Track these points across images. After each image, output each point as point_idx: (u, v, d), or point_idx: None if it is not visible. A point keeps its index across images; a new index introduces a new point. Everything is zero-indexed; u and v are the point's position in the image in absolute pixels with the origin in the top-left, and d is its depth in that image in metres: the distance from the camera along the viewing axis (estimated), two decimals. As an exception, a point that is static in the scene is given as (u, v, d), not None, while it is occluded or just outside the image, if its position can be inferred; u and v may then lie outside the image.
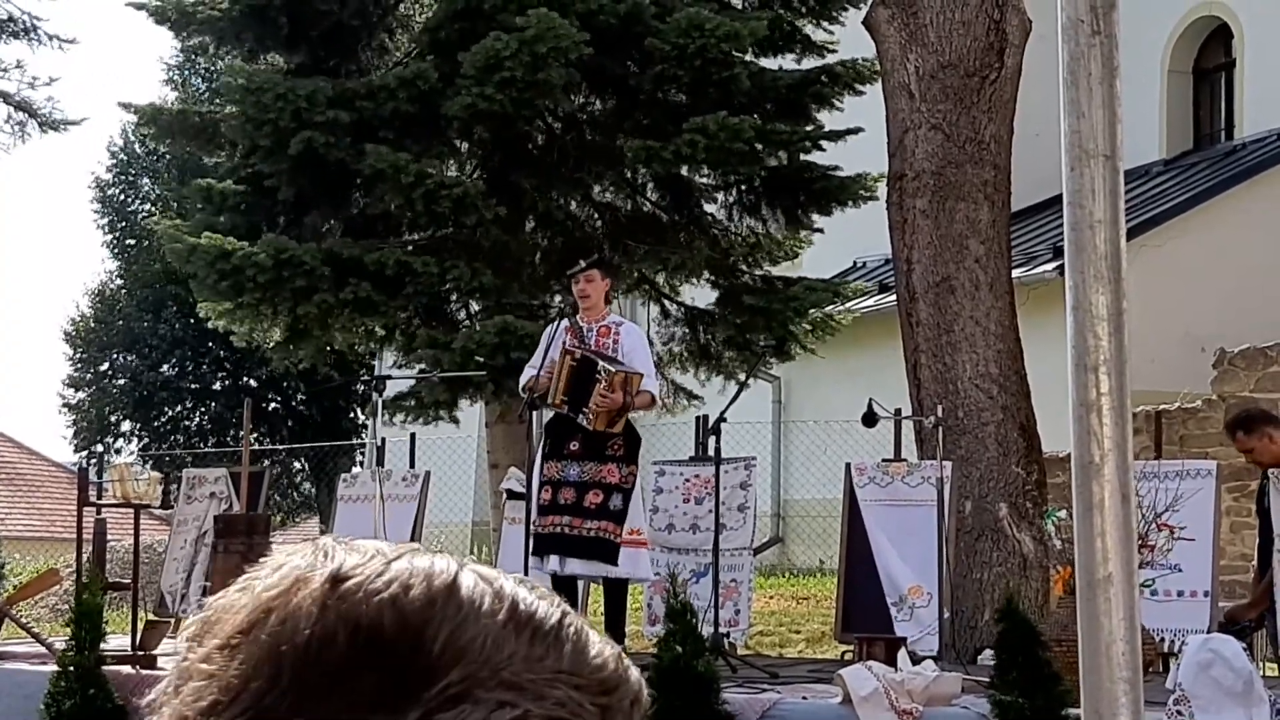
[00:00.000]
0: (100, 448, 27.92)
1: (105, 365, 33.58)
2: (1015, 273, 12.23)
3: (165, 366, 33.01)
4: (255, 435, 25.56)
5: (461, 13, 14.53)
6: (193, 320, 25.93)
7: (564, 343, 9.61)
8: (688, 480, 11.15)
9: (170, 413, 33.46)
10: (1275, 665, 9.74)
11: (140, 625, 10.45)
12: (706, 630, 8.91)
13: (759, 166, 14.78)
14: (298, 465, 32.45)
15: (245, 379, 32.73)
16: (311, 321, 14.77)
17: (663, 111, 14.89)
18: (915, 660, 8.33)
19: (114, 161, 35.19)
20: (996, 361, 10.96)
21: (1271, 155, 19.94)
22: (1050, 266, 17.42)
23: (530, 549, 9.45)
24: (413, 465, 12.80)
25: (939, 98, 11.22)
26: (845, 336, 16.12)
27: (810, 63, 15.65)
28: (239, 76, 14.81)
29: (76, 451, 32.48)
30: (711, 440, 10.03)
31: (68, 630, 9.78)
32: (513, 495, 11.09)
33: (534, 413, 10.26)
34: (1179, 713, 7.10)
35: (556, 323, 10.02)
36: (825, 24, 15.77)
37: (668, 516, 11.12)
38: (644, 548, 9.80)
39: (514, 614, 0.96)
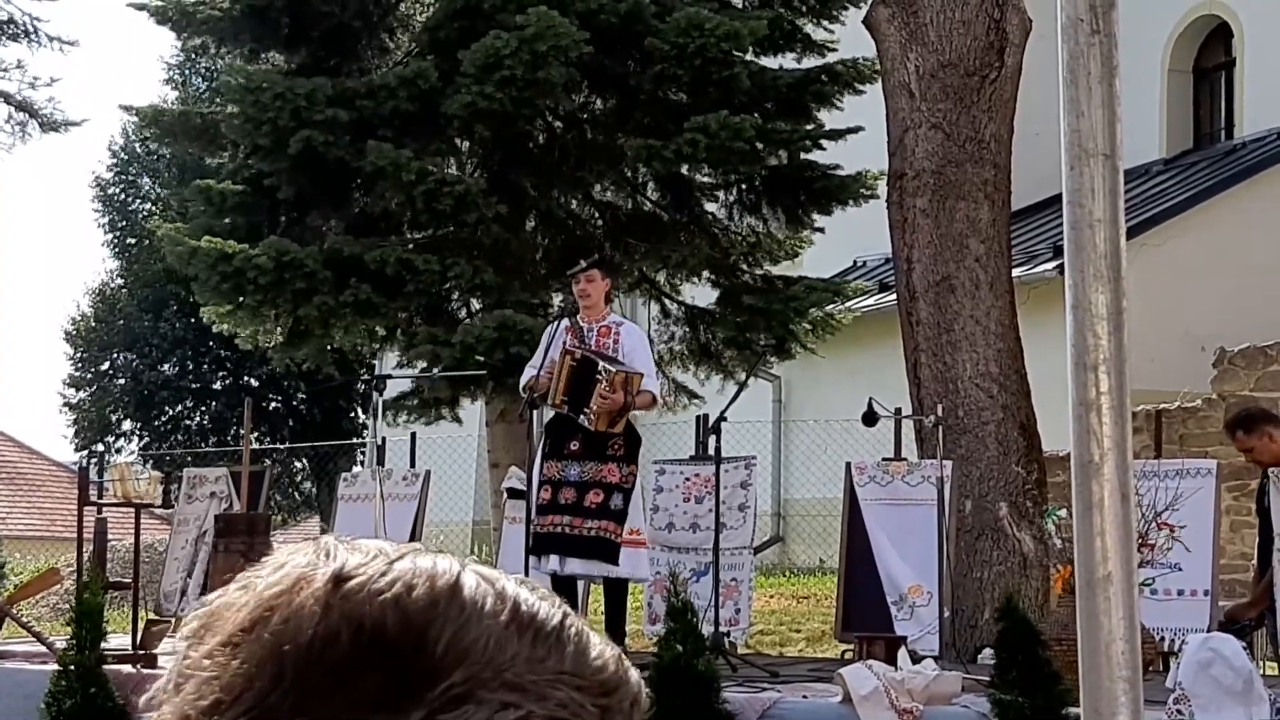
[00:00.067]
0: (101, 447, 27.93)
1: (106, 365, 33.60)
2: (1015, 272, 12.23)
3: (166, 366, 33.02)
4: (256, 435, 25.55)
5: (461, 11, 14.54)
6: (193, 320, 25.95)
7: (564, 343, 9.60)
8: (688, 479, 11.15)
9: (171, 412, 33.48)
10: (1275, 664, 9.74)
11: (141, 624, 10.45)
12: (707, 629, 8.91)
13: (759, 165, 14.79)
14: (298, 465, 32.46)
15: (246, 378, 32.75)
16: (312, 322, 14.78)
17: (663, 110, 14.89)
18: (915, 659, 8.33)
19: (114, 161, 35.20)
20: (997, 361, 10.96)
21: (1271, 155, 19.93)
22: (1050, 266, 17.42)
23: (528, 548, 9.45)
24: (413, 464, 12.80)
25: (939, 97, 11.22)
26: (845, 336, 16.12)
27: (810, 62, 15.65)
28: (238, 76, 14.82)
29: (77, 451, 32.51)
30: (712, 439, 10.03)
31: (68, 629, 9.78)
32: (514, 494, 11.09)
33: (534, 412, 10.26)
34: (1179, 712, 7.11)
35: (557, 322, 10.00)
36: (825, 23, 15.78)
37: (668, 516, 11.12)
38: (643, 548, 9.80)
39: (516, 615, 0.96)
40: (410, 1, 16.61)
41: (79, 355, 33.70)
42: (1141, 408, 13.21)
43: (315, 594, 0.95)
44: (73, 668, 9.20)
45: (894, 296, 12.02)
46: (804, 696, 8.17)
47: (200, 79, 33.65)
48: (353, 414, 33.62)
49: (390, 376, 13.67)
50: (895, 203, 11.40)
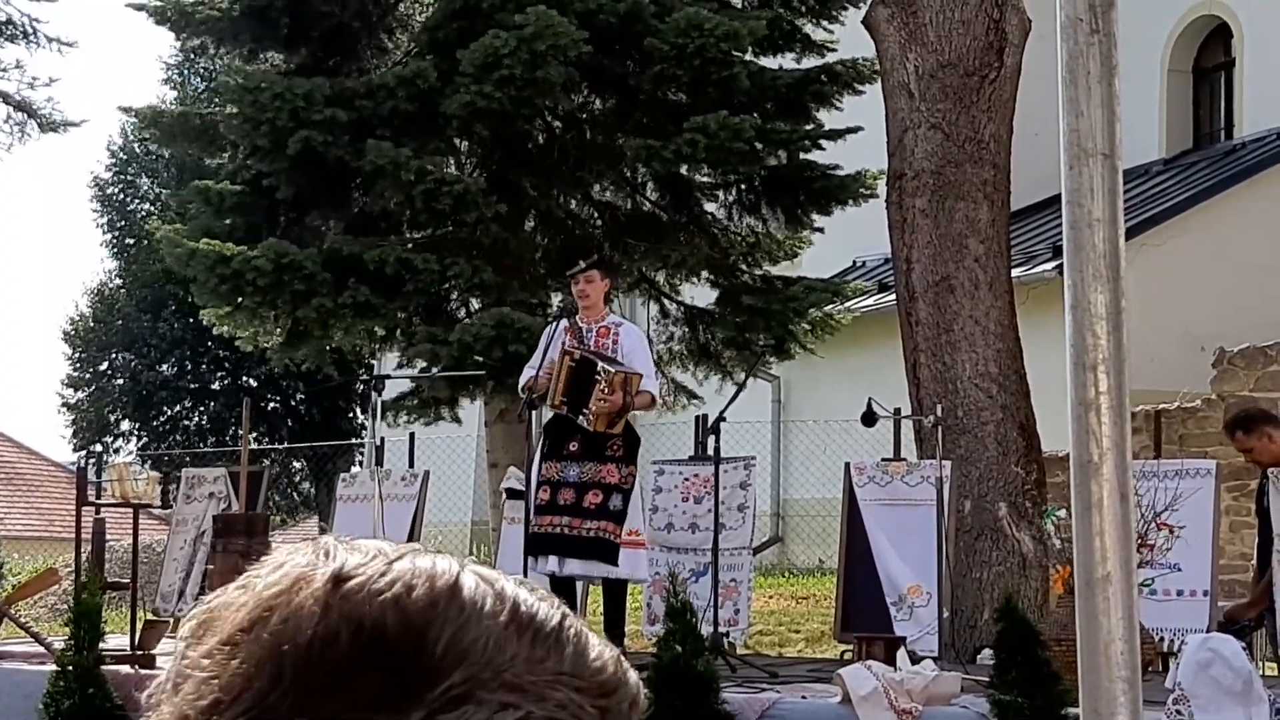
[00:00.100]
0: (99, 447, 27.91)
1: (104, 365, 33.60)
2: (1015, 272, 12.23)
3: (164, 366, 33.03)
4: (254, 435, 25.55)
5: (460, 11, 14.54)
6: (192, 320, 25.96)
7: (563, 343, 9.59)
8: (687, 479, 11.15)
9: (169, 412, 33.49)
10: (1275, 664, 9.74)
11: (139, 625, 10.45)
12: (706, 630, 8.91)
13: (759, 166, 14.79)
14: (297, 465, 32.46)
15: (245, 378, 32.75)
16: (311, 324, 14.80)
17: (663, 110, 14.89)
18: (915, 660, 8.33)
19: (113, 161, 35.21)
20: (996, 361, 10.96)
21: (1271, 155, 19.94)
22: (1050, 266, 17.43)
23: (525, 548, 9.44)
24: (412, 465, 12.80)
25: (938, 97, 11.22)
26: (845, 336, 16.12)
27: (810, 62, 15.65)
28: (236, 76, 14.82)
29: (75, 451, 32.50)
30: (711, 440, 10.03)
31: (67, 630, 9.78)
32: (512, 494, 11.09)
33: (533, 412, 10.26)
34: (1178, 712, 7.10)
35: (556, 323, 9.98)
36: (825, 23, 15.78)
37: (667, 516, 11.11)
38: (642, 548, 9.80)
39: (515, 615, 0.96)
40: (409, 1, 16.62)
41: (77, 355, 33.70)
42: (1141, 408, 13.21)
43: (315, 594, 0.95)
44: (71, 668, 9.20)
45: (893, 297, 12.03)
46: (803, 697, 8.17)
47: (199, 79, 33.66)
48: (351, 414, 33.63)
49: (390, 376, 13.68)
50: (894, 203, 11.40)
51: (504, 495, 11.56)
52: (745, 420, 14.83)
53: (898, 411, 10.87)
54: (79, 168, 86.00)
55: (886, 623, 10.04)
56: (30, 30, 23.26)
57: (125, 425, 33.83)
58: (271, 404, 33.14)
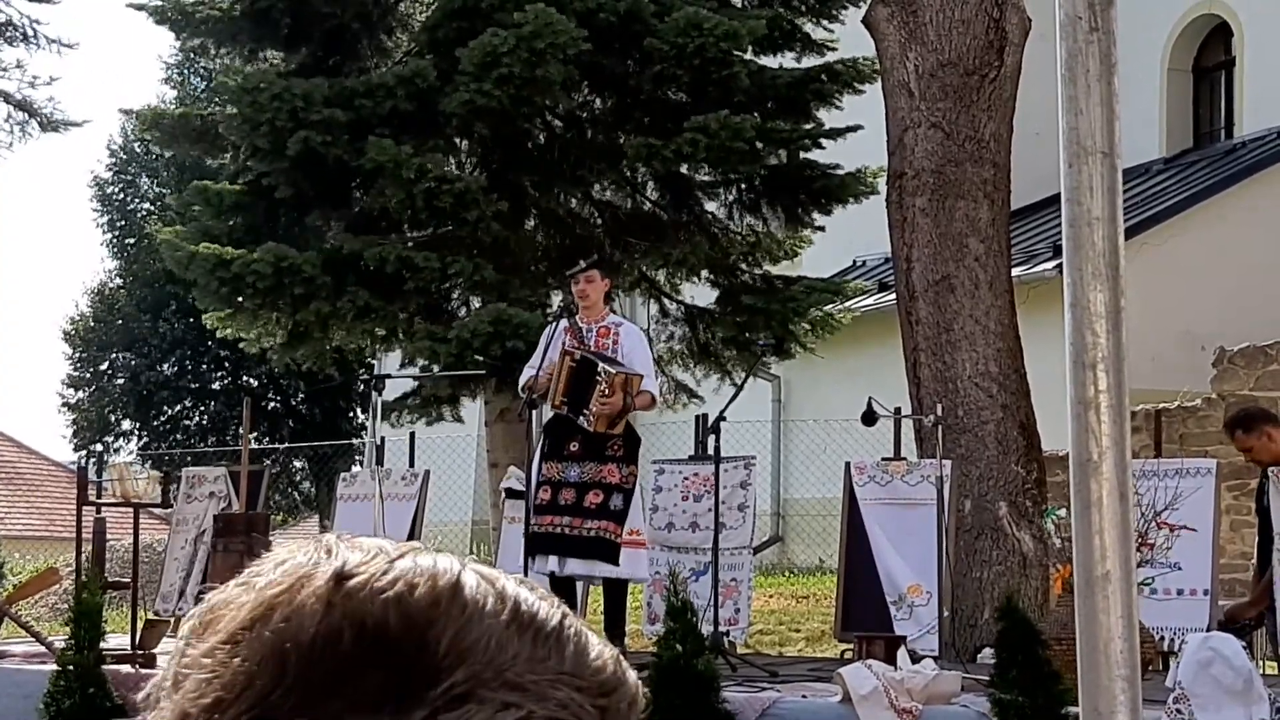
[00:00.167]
0: (100, 447, 27.92)
1: (105, 364, 33.59)
2: (1015, 271, 12.23)
3: (165, 366, 33.01)
4: (255, 435, 25.56)
5: (459, 11, 14.54)
6: (192, 319, 25.95)
7: (563, 343, 9.59)
8: (687, 479, 11.15)
9: (170, 412, 33.48)
10: (1275, 664, 9.74)
11: (140, 624, 10.45)
12: (706, 629, 8.91)
13: (759, 165, 14.79)
14: (297, 464, 32.46)
15: (245, 378, 32.75)
16: (311, 326, 14.82)
17: (663, 110, 14.89)
18: (915, 659, 8.33)
19: (113, 161, 35.20)
20: (996, 360, 10.96)
21: (1271, 154, 19.94)
22: (1050, 265, 17.43)
23: (525, 548, 9.43)
24: (412, 464, 12.80)
25: (938, 96, 11.22)
26: (845, 335, 16.12)
27: (810, 61, 15.66)
28: (234, 77, 14.82)
29: (76, 451, 32.50)
30: (711, 439, 10.02)
31: (67, 629, 9.78)
32: (512, 494, 11.09)
33: (533, 412, 10.26)
34: (1179, 711, 7.11)
35: (556, 323, 9.98)
36: (825, 22, 15.78)
37: (667, 515, 11.11)
38: (643, 548, 9.80)
39: (517, 615, 0.96)
40: (409, 1, 16.62)
41: (78, 355, 33.70)
42: (1141, 407, 13.22)
43: (317, 592, 0.95)
44: (71, 667, 9.20)
45: (893, 296, 12.02)
46: (803, 696, 8.17)
47: (199, 79, 33.65)
48: (352, 414, 33.62)
49: (390, 376, 13.68)
50: (895, 202, 11.40)
51: (504, 495, 11.56)
52: (745, 420, 14.83)
53: (898, 411, 10.87)
54: (79, 168, 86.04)
55: (887, 622, 10.04)
56: (31, 32, 23.25)
57: (126, 425, 33.84)
58: (272, 404, 33.14)
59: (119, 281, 34.01)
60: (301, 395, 33.23)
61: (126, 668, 9.58)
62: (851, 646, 9.58)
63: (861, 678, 7.68)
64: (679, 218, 15.62)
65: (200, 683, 0.95)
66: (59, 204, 78.75)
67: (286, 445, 29.93)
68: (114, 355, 33.34)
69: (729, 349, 15.55)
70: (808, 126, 15.07)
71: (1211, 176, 20.14)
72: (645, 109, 15.04)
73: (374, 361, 21.32)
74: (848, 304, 16.65)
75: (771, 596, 16.02)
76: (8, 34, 23.10)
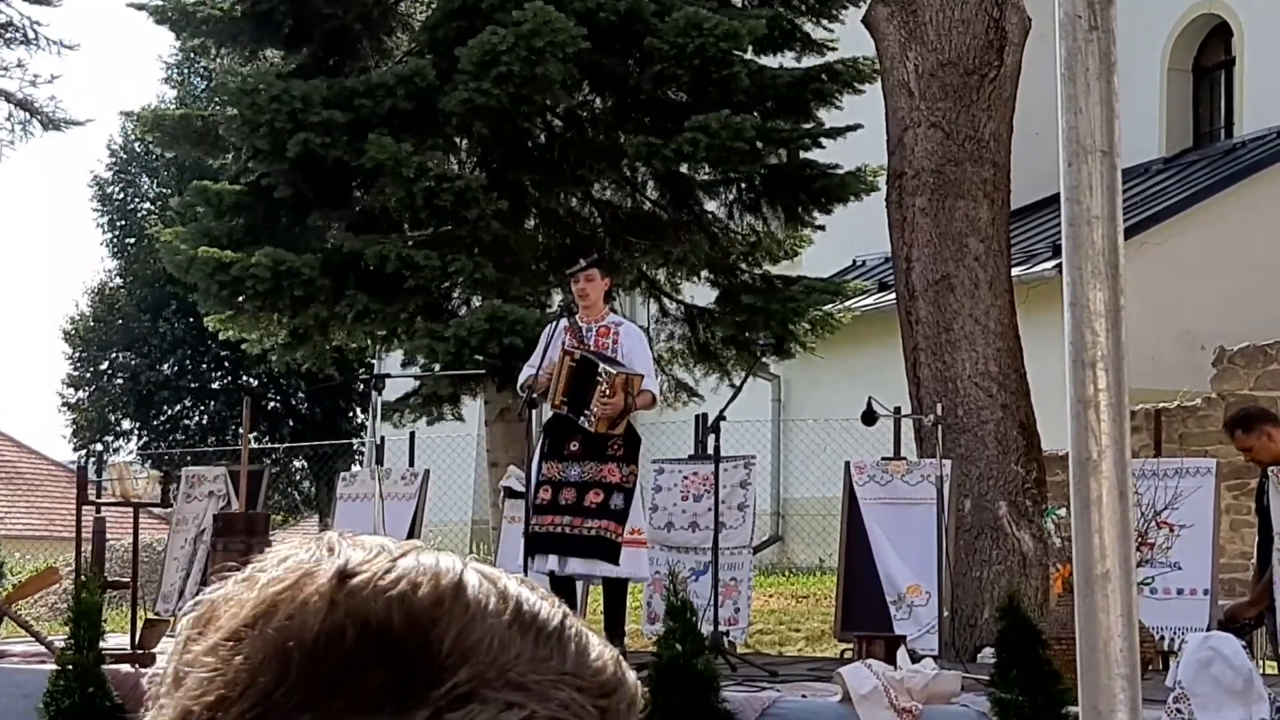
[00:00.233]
0: (100, 446, 27.91)
1: (105, 364, 33.59)
2: (1015, 271, 12.23)
3: (165, 365, 33.01)
4: (255, 434, 25.56)
5: (459, 10, 14.54)
6: (192, 319, 25.96)
7: (563, 343, 9.58)
8: (687, 478, 11.15)
9: (170, 411, 33.48)
10: (1275, 663, 9.74)
11: (140, 624, 10.45)
12: (706, 629, 8.91)
13: (759, 164, 14.80)
14: (297, 464, 32.46)
15: (245, 378, 32.75)
16: (311, 329, 14.84)
17: (663, 109, 14.90)
18: (915, 658, 8.33)
19: (114, 160, 35.19)
20: (996, 360, 10.96)
21: (1271, 153, 19.94)
22: (1050, 264, 17.43)
23: (525, 547, 9.43)
24: (412, 464, 12.80)
25: (938, 96, 11.22)
26: (845, 335, 16.12)
27: (810, 61, 15.66)
28: (234, 78, 14.82)
29: (76, 450, 32.49)
30: (711, 438, 10.03)
31: (67, 629, 9.77)
32: (512, 494, 11.09)
33: (533, 411, 10.26)
34: (1178, 710, 7.11)
35: (555, 322, 9.97)
36: (825, 22, 15.78)
37: (667, 515, 11.11)
38: (643, 547, 9.79)
39: (519, 615, 0.97)
40: (409, 1, 16.62)
41: (78, 355, 33.69)
42: (1141, 407, 13.22)
43: (320, 590, 0.95)
44: (71, 667, 9.20)
45: (893, 296, 12.02)
46: (803, 696, 8.17)
47: (199, 79, 33.65)
48: (352, 414, 33.62)
49: (390, 376, 13.68)
50: (894, 202, 11.40)
51: (503, 494, 11.55)
52: (745, 419, 14.83)
53: (898, 410, 10.87)
54: (79, 167, 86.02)
55: (886, 622, 10.04)
56: (32, 34, 23.23)
57: (125, 424, 33.83)
58: (272, 403, 33.14)
59: (119, 281, 34.01)
60: (301, 395, 33.23)
61: (126, 667, 9.57)
62: (851, 646, 9.58)
63: (861, 677, 7.68)
64: (679, 217, 15.62)
65: (202, 680, 0.95)
66: (59, 204, 78.78)
67: (286, 445, 29.93)
68: (114, 355, 33.33)
69: (729, 348, 15.56)
70: (808, 126, 15.07)
71: (1211, 176, 20.14)
72: (645, 108, 15.04)
73: (374, 361, 21.32)
74: (847, 304, 16.65)
75: (771, 596, 16.02)
76: (8, 35, 23.08)
